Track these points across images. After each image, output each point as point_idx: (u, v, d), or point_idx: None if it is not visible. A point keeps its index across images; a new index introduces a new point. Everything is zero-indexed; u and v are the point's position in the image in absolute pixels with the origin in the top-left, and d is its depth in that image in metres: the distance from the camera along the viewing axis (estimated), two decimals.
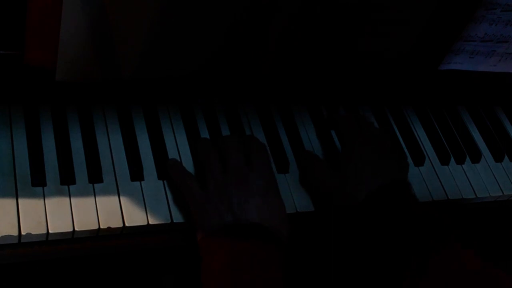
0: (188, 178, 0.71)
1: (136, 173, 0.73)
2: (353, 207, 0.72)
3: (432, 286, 0.64)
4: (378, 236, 0.70)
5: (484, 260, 0.66)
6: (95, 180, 0.71)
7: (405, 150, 0.90)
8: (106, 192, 0.70)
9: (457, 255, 0.66)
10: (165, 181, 0.74)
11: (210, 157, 0.73)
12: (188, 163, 0.76)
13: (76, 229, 0.66)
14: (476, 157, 0.93)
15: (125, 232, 0.70)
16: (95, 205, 0.69)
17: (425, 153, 0.90)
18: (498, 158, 0.95)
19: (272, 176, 0.74)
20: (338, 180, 0.75)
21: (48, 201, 0.67)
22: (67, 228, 0.66)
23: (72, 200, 0.68)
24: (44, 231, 0.65)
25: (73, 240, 0.68)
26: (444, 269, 0.65)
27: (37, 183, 0.68)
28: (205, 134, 0.80)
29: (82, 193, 0.69)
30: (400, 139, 0.91)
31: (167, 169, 0.73)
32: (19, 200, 0.66)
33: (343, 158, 0.78)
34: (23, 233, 0.64)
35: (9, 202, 0.66)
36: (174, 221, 0.71)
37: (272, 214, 0.69)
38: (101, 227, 0.67)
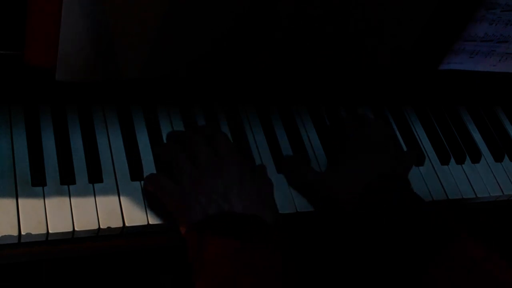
0: (162, 176, 0.70)
1: (136, 173, 0.73)
2: (352, 204, 0.73)
3: (436, 283, 0.65)
4: (378, 234, 0.70)
5: (488, 258, 0.66)
6: (95, 180, 0.71)
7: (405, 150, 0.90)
8: (106, 192, 0.70)
9: (458, 255, 0.66)
10: None
11: (179, 156, 0.70)
12: None
13: (76, 229, 0.66)
14: (476, 157, 0.93)
15: (125, 232, 0.70)
16: (95, 205, 0.69)
17: (425, 153, 0.90)
18: (498, 158, 0.95)
19: (244, 162, 0.73)
20: (335, 176, 0.77)
21: (48, 201, 0.67)
22: (67, 228, 0.66)
23: (72, 200, 0.68)
24: (44, 231, 0.65)
25: (73, 240, 0.68)
26: (445, 268, 0.65)
27: (37, 183, 0.68)
28: None
29: (82, 193, 0.69)
30: (400, 139, 0.91)
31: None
32: (19, 200, 0.66)
33: (340, 155, 0.80)
34: (23, 233, 0.64)
35: (9, 202, 0.66)
36: None
37: (254, 200, 0.69)
38: (101, 227, 0.67)
